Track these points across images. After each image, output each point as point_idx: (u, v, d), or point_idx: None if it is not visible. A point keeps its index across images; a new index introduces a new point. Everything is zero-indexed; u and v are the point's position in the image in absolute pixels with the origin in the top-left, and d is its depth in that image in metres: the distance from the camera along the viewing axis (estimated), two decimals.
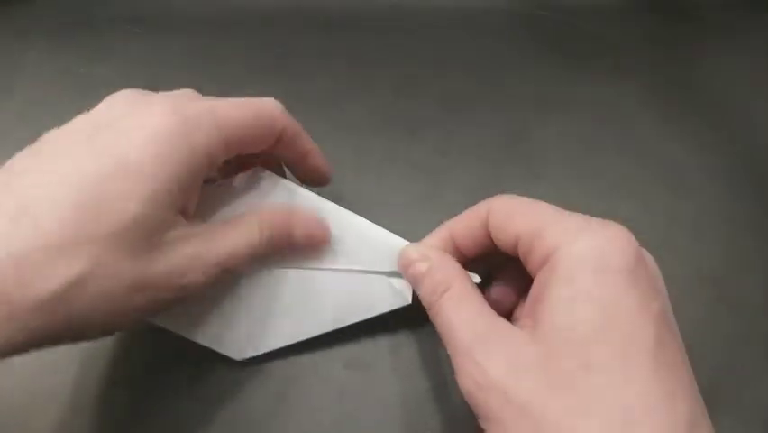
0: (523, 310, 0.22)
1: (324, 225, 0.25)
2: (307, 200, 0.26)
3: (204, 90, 0.35)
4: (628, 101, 0.36)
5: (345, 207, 0.30)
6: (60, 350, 0.20)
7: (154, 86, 0.35)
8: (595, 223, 0.20)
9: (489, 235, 0.23)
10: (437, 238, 0.25)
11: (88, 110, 0.22)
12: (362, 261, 0.26)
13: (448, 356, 0.26)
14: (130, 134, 0.19)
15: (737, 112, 0.36)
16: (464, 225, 0.24)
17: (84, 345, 0.26)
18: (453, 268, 0.23)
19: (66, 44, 0.37)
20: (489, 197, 0.31)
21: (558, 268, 0.19)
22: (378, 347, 0.26)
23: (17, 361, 0.18)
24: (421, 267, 0.23)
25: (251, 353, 0.26)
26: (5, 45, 0.37)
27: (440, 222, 0.30)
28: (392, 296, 0.25)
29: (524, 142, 0.34)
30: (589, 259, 0.18)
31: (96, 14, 0.39)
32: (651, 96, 0.36)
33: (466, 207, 0.31)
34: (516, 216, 0.21)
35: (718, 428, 0.25)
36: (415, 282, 0.23)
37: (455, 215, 0.30)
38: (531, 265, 0.21)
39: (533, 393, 0.17)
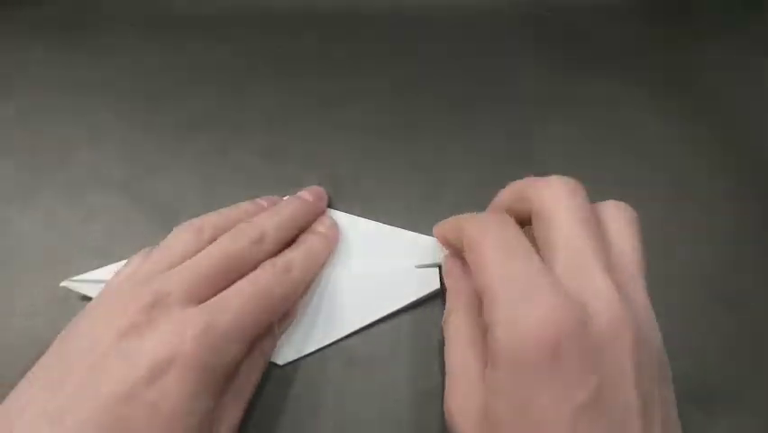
0: None
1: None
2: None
3: (204, 90, 0.35)
4: (628, 101, 0.36)
5: (346, 207, 0.31)
6: None
7: (154, 85, 0.35)
8: (536, 293, 0.18)
9: None
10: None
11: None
12: (386, 257, 0.28)
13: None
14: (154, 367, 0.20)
15: (737, 112, 0.36)
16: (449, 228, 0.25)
17: None
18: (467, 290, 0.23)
19: (66, 44, 0.37)
20: (489, 197, 0.31)
21: (491, 345, 0.18)
22: (379, 346, 0.26)
23: None
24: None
25: (292, 356, 0.26)
26: (5, 45, 0.37)
27: (440, 221, 0.30)
28: (419, 284, 0.27)
29: (524, 141, 0.34)
30: (509, 348, 0.17)
31: (96, 14, 0.39)
32: (651, 96, 0.36)
33: (466, 208, 0.31)
34: (476, 256, 0.20)
35: (718, 427, 0.25)
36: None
37: (455, 214, 0.31)
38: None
39: None
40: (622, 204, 0.21)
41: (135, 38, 0.38)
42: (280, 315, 0.25)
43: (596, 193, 0.32)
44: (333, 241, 0.28)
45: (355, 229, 0.29)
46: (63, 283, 0.27)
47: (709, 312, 0.28)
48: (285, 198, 0.29)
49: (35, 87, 0.35)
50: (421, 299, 0.27)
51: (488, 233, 0.20)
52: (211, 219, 0.26)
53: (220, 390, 0.21)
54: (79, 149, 0.32)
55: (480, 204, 0.31)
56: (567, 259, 0.19)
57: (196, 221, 0.26)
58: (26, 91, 0.35)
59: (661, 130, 0.34)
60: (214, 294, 0.23)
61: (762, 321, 0.28)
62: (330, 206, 0.30)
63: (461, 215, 0.25)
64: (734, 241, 0.30)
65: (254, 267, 0.24)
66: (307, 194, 0.29)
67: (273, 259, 0.25)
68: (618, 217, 0.21)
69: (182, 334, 0.20)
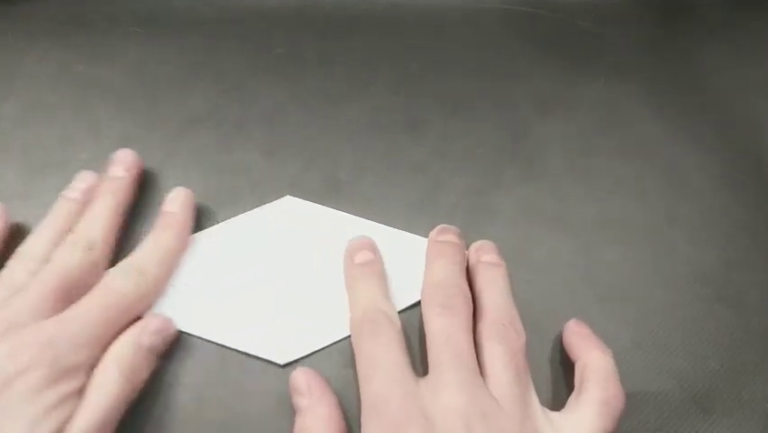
0: None
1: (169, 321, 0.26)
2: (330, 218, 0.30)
3: (204, 90, 0.35)
4: (628, 101, 0.36)
5: (346, 207, 0.31)
6: None
7: (155, 86, 0.35)
8: None
9: None
10: None
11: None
12: (386, 258, 0.28)
13: None
14: None
15: (737, 112, 0.36)
16: None
17: None
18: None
19: (66, 44, 0.37)
20: (488, 198, 0.31)
21: None
22: None
23: None
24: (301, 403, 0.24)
25: (293, 356, 0.26)
26: (5, 45, 0.37)
27: (440, 222, 0.30)
28: (420, 285, 0.27)
29: (524, 142, 0.34)
30: None
31: (96, 14, 0.39)
32: (651, 96, 0.36)
33: (466, 209, 0.31)
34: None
35: (718, 427, 0.26)
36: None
37: (455, 215, 0.31)
38: None
39: None
40: None
41: (135, 37, 0.38)
42: (142, 312, 0.26)
43: (595, 192, 0.32)
44: (180, 219, 0.28)
45: (355, 230, 0.29)
46: None
47: (709, 312, 0.28)
48: (98, 185, 0.28)
49: (35, 86, 0.35)
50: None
51: None
52: (34, 246, 0.26)
53: (68, 391, 0.22)
54: (79, 148, 0.32)
55: (480, 205, 0.31)
56: None
57: (24, 251, 0.26)
58: (26, 90, 0.35)
59: (660, 130, 0.34)
60: (68, 306, 0.24)
61: (762, 321, 0.28)
62: (330, 205, 0.30)
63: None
64: (734, 241, 0.30)
65: (100, 272, 0.25)
66: (118, 169, 0.29)
67: (124, 264, 0.26)
68: None
69: (30, 345, 0.22)
